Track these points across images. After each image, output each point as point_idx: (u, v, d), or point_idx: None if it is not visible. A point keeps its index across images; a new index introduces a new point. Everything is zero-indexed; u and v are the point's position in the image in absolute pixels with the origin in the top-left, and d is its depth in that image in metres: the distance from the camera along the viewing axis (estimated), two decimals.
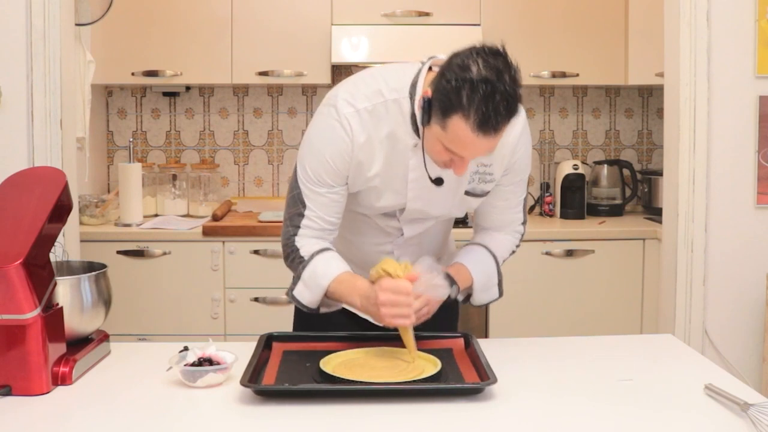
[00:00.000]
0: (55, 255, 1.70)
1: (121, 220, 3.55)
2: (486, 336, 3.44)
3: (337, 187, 1.78)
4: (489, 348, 1.75)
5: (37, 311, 1.55)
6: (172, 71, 3.66)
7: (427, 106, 1.60)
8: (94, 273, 1.74)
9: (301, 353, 1.76)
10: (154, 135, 4.04)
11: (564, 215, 3.82)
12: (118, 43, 3.62)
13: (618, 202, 3.91)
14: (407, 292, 1.64)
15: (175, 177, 3.82)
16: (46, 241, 1.61)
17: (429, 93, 1.61)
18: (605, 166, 3.95)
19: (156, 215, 3.76)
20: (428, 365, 1.66)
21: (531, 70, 3.67)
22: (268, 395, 1.54)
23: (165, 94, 4.01)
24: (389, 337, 1.79)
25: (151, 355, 1.79)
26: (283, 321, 3.32)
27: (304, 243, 1.80)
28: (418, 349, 1.71)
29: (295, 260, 1.81)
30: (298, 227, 1.80)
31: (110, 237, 3.42)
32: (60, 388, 1.59)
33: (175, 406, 1.53)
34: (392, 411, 1.49)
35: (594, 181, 3.94)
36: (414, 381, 1.57)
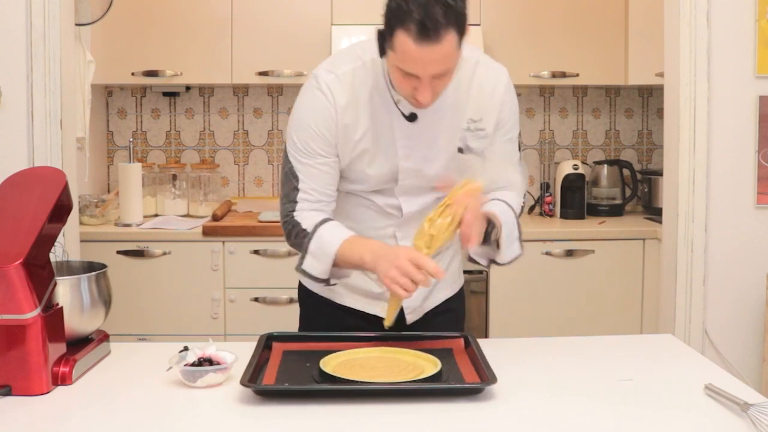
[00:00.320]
0: (55, 255, 1.70)
1: (121, 220, 3.55)
2: (486, 336, 3.44)
3: (328, 158, 1.80)
4: (489, 348, 1.75)
5: (37, 311, 1.55)
6: (172, 71, 3.66)
7: (381, 38, 1.66)
8: (94, 273, 1.74)
9: (301, 353, 1.76)
10: (154, 135, 4.04)
11: (564, 215, 3.82)
12: (118, 43, 3.62)
13: (618, 202, 3.91)
14: (424, 269, 1.64)
15: (175, 177, 3.82)
16: (46, 241, 1.61)
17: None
18: (605, 166, 3.95)
19: (156, 215, 3.76)
20: (428, 365, 1.65)
21: (531, 70, 3.65)
22: (268, 395, 1.54)
23: (165, 94, 4.01)
24: (389, 337, 1.79)
25: (151, 355, 1.79)
26: (283, 321, 3.35)
27: (304, 216, 1.81)
28: (418, 350, 1.71)
29: (298, 235, 1.81)
30: (295, 202, 1.81)
31: (110, 237, 3.42)
32: (60, 388, 1.59)
33: (175, 406, 1.53)
34: (392, 411, 1.49)
35: (594, 181, 3.94)
36: (414, 381, 1.56)
